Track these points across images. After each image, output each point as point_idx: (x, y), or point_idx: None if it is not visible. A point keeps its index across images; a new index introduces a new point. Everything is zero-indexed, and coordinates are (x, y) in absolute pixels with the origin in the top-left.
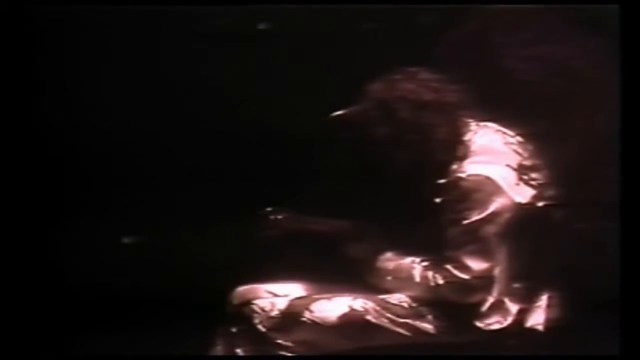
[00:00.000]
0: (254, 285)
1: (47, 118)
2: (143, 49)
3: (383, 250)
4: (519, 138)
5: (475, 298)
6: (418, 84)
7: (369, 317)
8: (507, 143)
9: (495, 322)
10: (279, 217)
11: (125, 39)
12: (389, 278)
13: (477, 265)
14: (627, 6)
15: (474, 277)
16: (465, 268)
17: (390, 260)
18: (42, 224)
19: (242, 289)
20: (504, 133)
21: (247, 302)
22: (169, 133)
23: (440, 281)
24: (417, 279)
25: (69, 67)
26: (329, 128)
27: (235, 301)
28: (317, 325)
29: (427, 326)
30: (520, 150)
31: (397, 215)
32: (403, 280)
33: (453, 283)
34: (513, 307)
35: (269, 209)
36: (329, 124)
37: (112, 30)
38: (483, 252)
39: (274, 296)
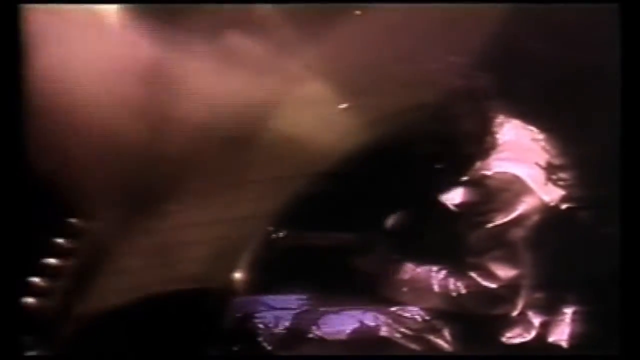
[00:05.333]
0: (253, 297)
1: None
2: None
3: (396, 260)
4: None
5: (500, 309)
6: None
7: (380, 332)
8: (534, 139)
9: (517, 336)
10: (281, 235)
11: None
12: (405, 289)
13: (504, 272)
14: (627, 6)
15: (501, 286)
16: (491, 276)
17: (405, 270)
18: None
19: (239, 300)
20: (530, 130)
21: (248, 317)
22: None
23: (463, 291)
24: (436, 289)
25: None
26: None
27: (234, 315)
28: (326, 342)
29: (443, 341)
30: (547, 148)
31: (414, 218)
32: (420, 292)
33: (477, 293)
34: (536, 320)
35: (271, 228)
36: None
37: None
38: (510, 258)
39: (274, 310)
